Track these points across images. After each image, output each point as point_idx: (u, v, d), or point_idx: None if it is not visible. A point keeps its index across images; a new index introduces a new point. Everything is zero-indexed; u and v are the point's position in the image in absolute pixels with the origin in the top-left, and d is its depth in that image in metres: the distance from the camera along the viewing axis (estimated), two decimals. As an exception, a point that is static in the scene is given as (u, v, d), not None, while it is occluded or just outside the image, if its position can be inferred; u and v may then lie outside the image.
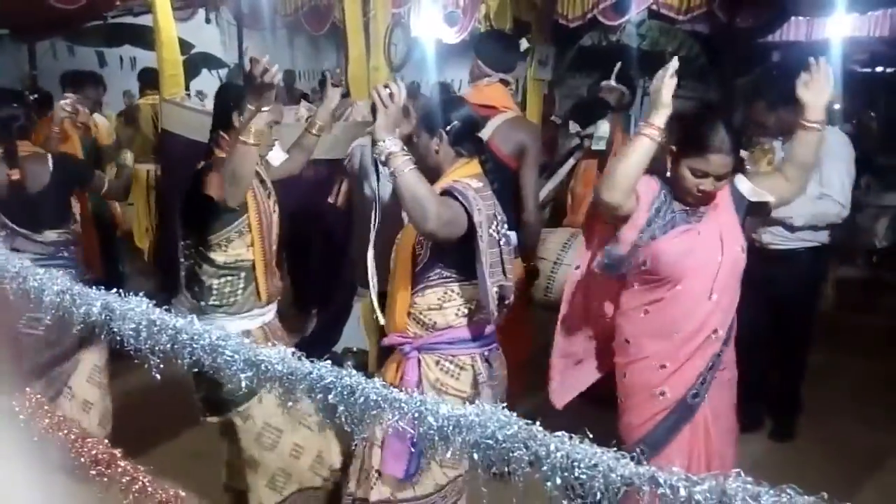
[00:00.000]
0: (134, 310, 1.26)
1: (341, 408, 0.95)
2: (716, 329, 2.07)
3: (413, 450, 1.98)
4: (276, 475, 2.34)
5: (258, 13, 6.91)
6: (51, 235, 2.75)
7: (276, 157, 2.52)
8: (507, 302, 2.10)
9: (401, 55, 5.07)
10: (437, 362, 2.04)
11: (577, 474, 0.72)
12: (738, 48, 5.84)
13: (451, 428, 0.82)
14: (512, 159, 2.70)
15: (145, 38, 7.10)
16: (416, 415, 0.86)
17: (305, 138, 2.56)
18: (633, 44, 6.34)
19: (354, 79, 4.44)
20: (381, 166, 1.95)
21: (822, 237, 3.18)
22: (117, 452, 1.53)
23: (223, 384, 2.12)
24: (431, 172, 2.04)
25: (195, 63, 8.40)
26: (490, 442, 0.79)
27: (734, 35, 5.44)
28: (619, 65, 3.27)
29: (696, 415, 2.10)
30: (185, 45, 6.26)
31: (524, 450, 0.76)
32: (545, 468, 0.75)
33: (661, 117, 1.92)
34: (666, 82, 1.90)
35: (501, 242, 2.02)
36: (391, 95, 1.88)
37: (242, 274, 2.25)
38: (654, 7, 5.12)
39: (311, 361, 0.99)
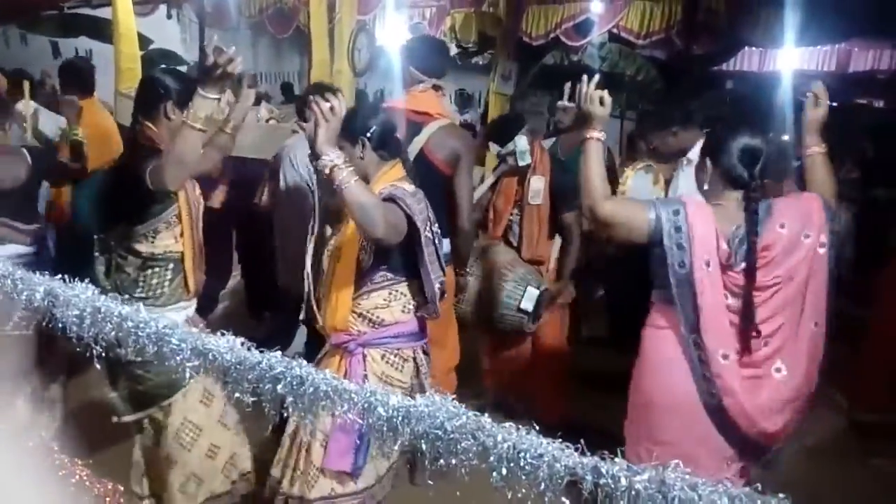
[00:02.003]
0: (79, 296, 1.22)
1: (290, 398, 0.94)
2: None
3: (359, 443, 2.01)
4: (190, 479, 2.29)
5: (222, 12, 6.84)
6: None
7: None
8: (445, 296, 2.23)
9: (364, 61, 5.08)
10: (383, 356, 2.12)
11: (522, 464, 0.73)
12: (693, 75, 6.02)
13: (400, 419, 0.83)
14: (446, 166, 2.74)
15: (103, 30, 6.93)
16: (366, 406, 0.86)
17: (219, 137, 2.47)
18: (593, 65, 6.48)
19: (317, 83, 4.42)
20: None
21: None
22: (54, 446, 1.48)
23: (149, 378, 2.15)
24: None
25: (154, 59, 8.22)
26: (439, 432, 0.79)
27: (690, 62, 5.61)
28: (568, 84, 3.33)
29: None
30: (144, 40, 6.16)
31: (472, 440, 0.77)
32: (492, 459, 0.75)
33: None
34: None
35: (435, 241, 2.11)
36: (332, 109, 1.84)
37: (171, 265, 2.22)
38: (615, 31, 5.26)
39: (261, 351, 0.98)
